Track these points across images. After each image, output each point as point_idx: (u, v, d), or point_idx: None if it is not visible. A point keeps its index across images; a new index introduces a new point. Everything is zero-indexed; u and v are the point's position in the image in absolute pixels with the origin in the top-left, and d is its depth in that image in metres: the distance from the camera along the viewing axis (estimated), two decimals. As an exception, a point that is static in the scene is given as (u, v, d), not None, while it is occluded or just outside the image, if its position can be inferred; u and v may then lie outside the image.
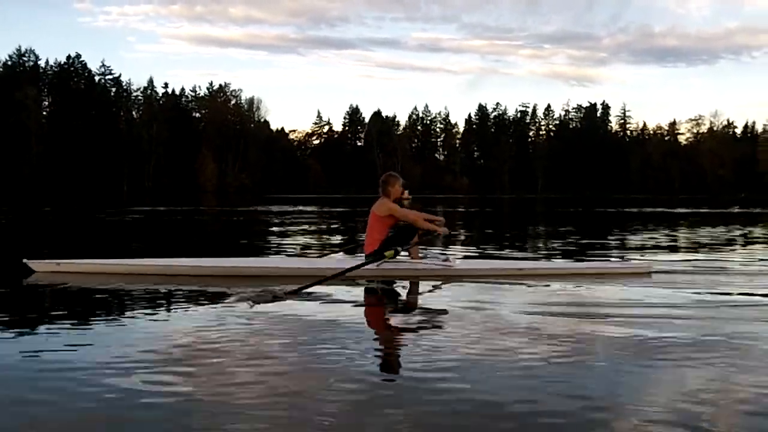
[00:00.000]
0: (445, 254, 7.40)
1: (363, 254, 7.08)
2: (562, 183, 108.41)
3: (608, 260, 8.93)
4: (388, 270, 6.78)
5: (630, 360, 3.70)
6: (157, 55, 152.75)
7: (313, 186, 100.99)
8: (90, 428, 2.74)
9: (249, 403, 2.94)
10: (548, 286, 6.38)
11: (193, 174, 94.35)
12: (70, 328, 4.59)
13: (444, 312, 5.13)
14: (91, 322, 4.79)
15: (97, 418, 2.80)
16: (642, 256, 9.59)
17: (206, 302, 5.56)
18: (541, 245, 12.26)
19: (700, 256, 9.80)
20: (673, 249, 11.34)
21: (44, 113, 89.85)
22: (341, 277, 6.16)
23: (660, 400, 3.04)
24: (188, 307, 5.29)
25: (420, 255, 7.26)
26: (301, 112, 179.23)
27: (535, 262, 8.20)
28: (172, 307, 5.33)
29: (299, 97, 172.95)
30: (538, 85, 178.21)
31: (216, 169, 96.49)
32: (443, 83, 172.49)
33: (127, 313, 5.08)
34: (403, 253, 6.87)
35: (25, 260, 6.93)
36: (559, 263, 7.98)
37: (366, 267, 6.51)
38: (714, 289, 6.31)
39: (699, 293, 6.02)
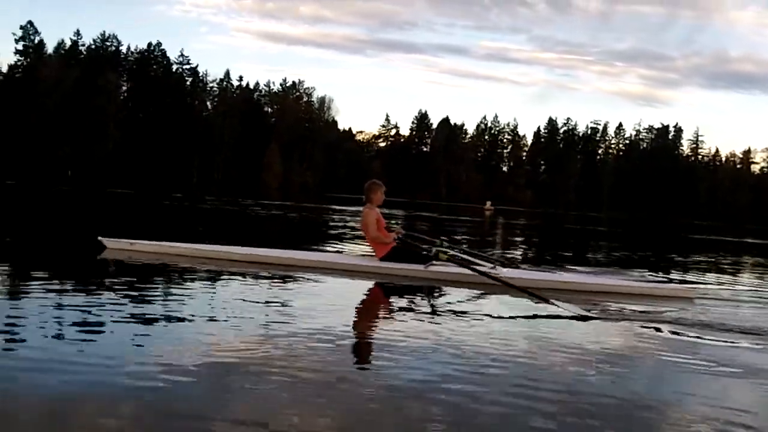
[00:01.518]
0: (492, 263, 7.62)
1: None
2: (628, 203, 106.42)
3: (653, 281, 9.02)
4: (436, 273, 7.09)
5: (658, 377, 3.95)
6: (225, 48, 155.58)
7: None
8: (141, 401, 2.91)
9: (284, 395, 3.09)
10: (590, 301, 6.58)
11: (259, 169, 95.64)
12: (130, 303, 5.03)
13: (487, 317, 5.41)
14: (150, 299, 5.25)
15: (145, 395, 2.99)
16: (690, 280, 9.65)
17: (265, 291, 6.00)
18: (592, 261, 12.34)
19: (752, 287, 9.79)
20: (726, 277, 11.29)
21: (121, 98, 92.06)
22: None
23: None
24: (242, 293, 5.72)
25: (465, 260, 7.53)
26: (365, 113, 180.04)
27: (578, 276, 8.38)
28: (228, 293, 5.75)
29: (364, 98, 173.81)
30: (606, 102, 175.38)
31: (282, 166, 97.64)
32: (509, 94, 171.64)
33: (185, 295, 5.50)
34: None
35: (99, 238, 7.49)
36: (602, 280, 8.10)
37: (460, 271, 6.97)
38: (752, 320, 6.37)
39: (735, 321, 6.13)
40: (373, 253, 7.67)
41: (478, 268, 7.16)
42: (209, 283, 6.21)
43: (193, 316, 4.61)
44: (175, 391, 3.03)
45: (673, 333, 5.19)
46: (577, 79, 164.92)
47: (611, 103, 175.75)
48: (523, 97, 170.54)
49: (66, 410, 2.75)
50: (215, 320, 4.52)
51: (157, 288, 5.77)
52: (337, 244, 11.82)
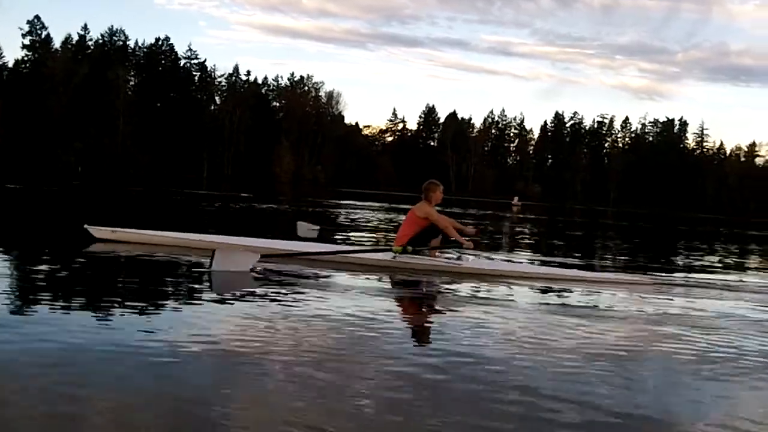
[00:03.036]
0: (458, 253, 8.15)
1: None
2: (635, 197, 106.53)
3: (612, 271, 9.51)
4: (403, 263, 7.63)
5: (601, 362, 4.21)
6: (226, 42, 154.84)
7: (384, 183, 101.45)
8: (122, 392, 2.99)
9: (269, 388, 3.19)
10: (541, 288, 7.15)
11: (269, 163, 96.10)
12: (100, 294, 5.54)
13: (455, 308, 5.84)
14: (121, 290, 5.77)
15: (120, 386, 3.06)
16: (659, 269, 10.14)
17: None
18: (570, 253, 12.80)
19: (719, 274, 10.32)
20: (702, 266, 11.75)
21: (129, 93, 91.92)
22: (311, 258, 7.23)
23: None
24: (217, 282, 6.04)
25: (437, 254, 8.03)
26: (369, 107, 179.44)
27: (539, 267, 8.91)
28: (200, 279, 6.21)
29: (366, 92, 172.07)
30: (609, 96, 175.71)
31: (292, 161, 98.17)
32: (513, 87, 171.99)
33: (158, 282, 5.96)
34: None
35: (86, 225, 7.89)
36: (565, 271, 8.58)
37: (359, 255, 7.47)
38: (699, 303, 6.89)
39: (689, 306, 6.63)
40: (390, 245, 8.07)
41: (446, 259, 7.77)
42: (191, 272, 6.55)
43: (179, 305, 4.94)
44: (169, 379, 3.18)
45: (605, 316, 5.74)
46: (579, 72, 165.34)
47: (614, 97, 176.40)
48: (527, 91, 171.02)
49: (63, 396, 2.86)
50: (197, 311, 4.77)
51: (137, 276, 6.22)
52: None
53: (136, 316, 4.46)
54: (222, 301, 5.24)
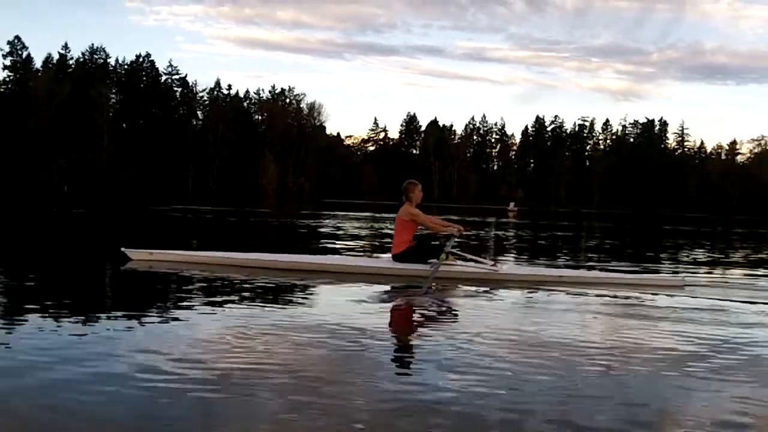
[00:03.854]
0: (493, 259, 8.19)
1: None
2: (618, 198, 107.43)
3: (645, 272, 9.61)
4: (440, 272, 7.62)
5: (663, 368, 4.09)
6: (203, 56, 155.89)
7: (368, 192, 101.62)
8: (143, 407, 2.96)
9: (280, 405, 3.04)
10: (587, 294, 7.11)
11: (254, 176, 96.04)
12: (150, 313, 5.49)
13: (486, 315, 5.79)
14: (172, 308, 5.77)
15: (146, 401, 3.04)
16: (680, 269, 10.26)
17: (273, 295, 6.49)
18: (586, 256, 12.92)
19: (737, 272, 10.45)
20: (713, 264, 11.90)
21: (111, 111, 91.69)
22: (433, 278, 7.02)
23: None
24: (250, 300, 5.92)
25: (468, 259, 8.05)
26: (348, 117, 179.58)
27: (575, 271, 8.92)
28: (242, 298, 6.09)
29: (345, 102, 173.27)
30: (584, 98, 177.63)
31: (277, 173, 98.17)
32: (489, 93, 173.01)
33: (205, 301, 5.82)
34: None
35: (123, 249, 8.01)
36: (598, 273, 8.67)
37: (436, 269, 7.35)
38: (739, 301, 6.95)
39: (724, 305, 6.67)
40: (388, 254, 8.08)
41: (481, 265, 7.77)
42: (224, 289, 6.53)
43: (205, 322, 4.83)
44: (178, 397, 3.10)
45: (666, 320, 5.73)
46: (556, 76, 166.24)
47: (592, 99, 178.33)
48: (505, 96, 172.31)
49: (63, 414, 2.85)
50: (227, 326, 4.68)
51: (173, 295, 6.17)
52: (334, 246, 12.35)
53: (167, 326, 4.56)
54: (242, 313, 5.18)
